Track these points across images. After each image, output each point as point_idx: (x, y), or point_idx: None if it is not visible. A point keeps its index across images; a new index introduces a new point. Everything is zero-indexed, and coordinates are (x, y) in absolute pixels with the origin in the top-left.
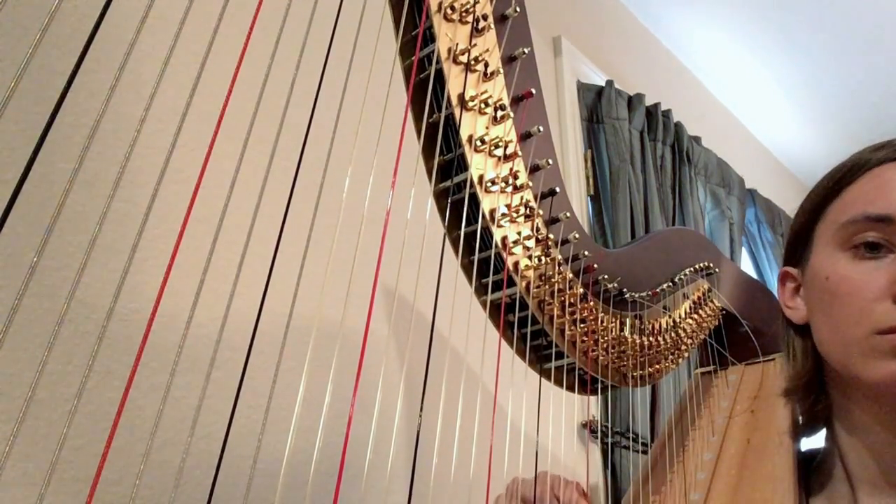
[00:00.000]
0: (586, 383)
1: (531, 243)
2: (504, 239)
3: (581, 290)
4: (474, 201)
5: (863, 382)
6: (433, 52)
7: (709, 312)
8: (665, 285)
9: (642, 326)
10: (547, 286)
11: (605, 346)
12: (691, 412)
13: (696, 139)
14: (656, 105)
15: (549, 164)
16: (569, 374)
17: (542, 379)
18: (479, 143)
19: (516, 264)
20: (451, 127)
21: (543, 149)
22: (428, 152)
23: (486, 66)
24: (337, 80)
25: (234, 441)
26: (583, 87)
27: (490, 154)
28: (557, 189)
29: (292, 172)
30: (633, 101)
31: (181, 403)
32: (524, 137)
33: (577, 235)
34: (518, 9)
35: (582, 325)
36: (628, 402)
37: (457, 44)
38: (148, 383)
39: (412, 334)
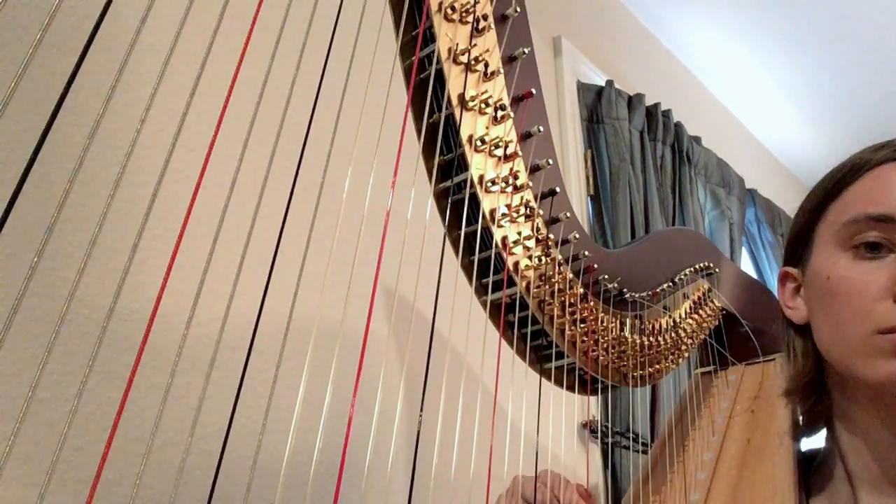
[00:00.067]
0: (586, 383)
1: (531, 243)
2: (504, 239)
3: (581, 290)
4: (474, 201)
5: (864, 382)
6: (433, 52)
7: (709, 312)
8: (665, 285)
9: (642, 326)
10: (547, 286)
11: (605, 346)
12: (691, 412)
13: (696, 139)
14: (656, 105)
15: (549, 164)
16: (569, 374)
17: (543, 379)
18: (479, 143)
19: (516, 264)
20: (452, 127)
21: (543, 149)
22: (428, 152)
23: (487, 66)
24: (337, 81)
25: (234, 441)
26: (583, 87)
27: (490, 154)
28: (557, 189)
29: (292, 172)
30: (633, 101)
31: (181, 403)
32: (524, 137)
33: (577, 235)
34: (518, 9)
35: (582, 325)
36: (628, 402)
37: (457, 44)
38: (148, 383)
39: (412, 334)
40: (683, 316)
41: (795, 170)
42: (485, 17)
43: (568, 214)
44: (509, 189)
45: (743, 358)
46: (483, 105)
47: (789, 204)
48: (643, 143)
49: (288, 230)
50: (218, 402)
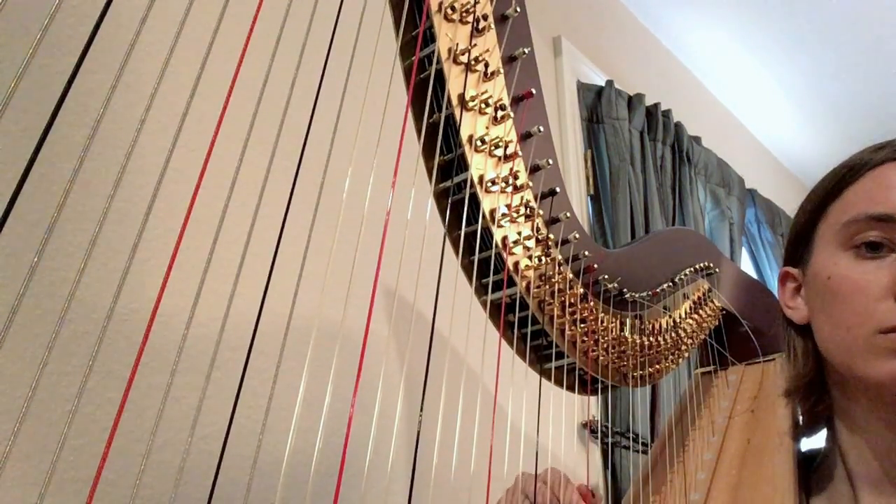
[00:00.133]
0: (586, 383)
1: (531, 243)
2: (504, 239)
3: (581, 291)
4: (474, 201)
5: (865, 382)
6: (433, 52)
7: (709, 312)
8: (665, 285)
9: (642, 326)
10: (547, 286)
11: (605, 346)
12: (691, 412)
13: (696, 139)
14: (656, 105)
15: (549, 164)
16: (569, 374)
17: (543, 379)
18: (479, 143)
19: (516, 264)
20: (452, 127)
21: (543, 149)
22: (428, 152)
23: (487, 66)
24: (337, 81)
25: (234, 441)
26: (583, 87)
27: (490, 154)
28: (557, 189)
29: (292, 172)
30: (633, 101)
31: (181, 403)
32: (524, 137)
33: (577, 235)
34: (518, 9)
35: (582, 326)
36: (628, 402)
37: (457, 44)
38: (148, 383)
39: (412, 334)
40: (683, 316)
41: (795, 170)
42: (485, 17)
43: (568, 214)
44: (509, 189)
45: (743, 358)
46: (483, 105)
47: (789, 204)
48: (643, 143)
49: (288, 230)
50: (218, 402)
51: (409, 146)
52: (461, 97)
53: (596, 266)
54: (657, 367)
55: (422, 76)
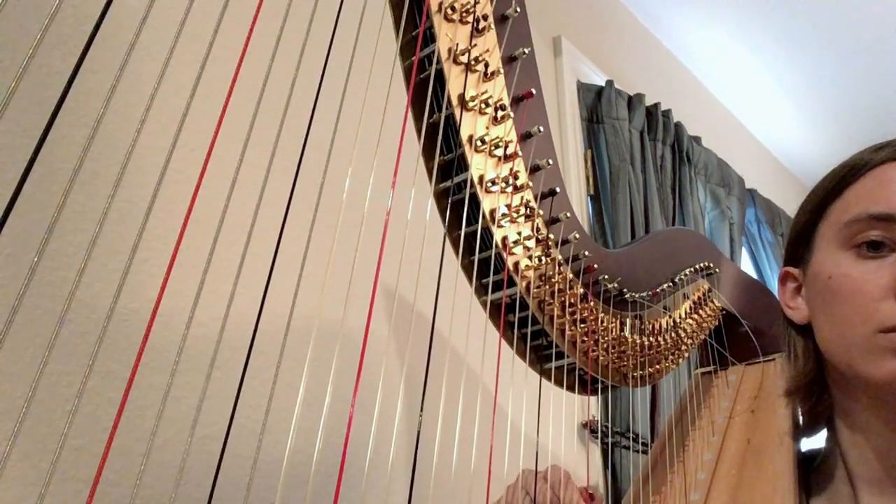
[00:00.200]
0: (586, 383)
1: (531, 243)
2: (504, 239)
3: (581, 291)
4: (474, 201)
5: (866, 381)
6: (433, 52)
7: (709, 312)
8: (665, 285)
9: (642, 326)
10: (547, 286)
11: (605, 346)
12: (691, 412)
13: (696, 139)
14: (656, 105)
15: (549, 164)
16: (569, 374)
17: (543, 379)
18: (479, 143)
19: (516, 264)
20: (452, 127)
21: (543, 149)
22: (428, 152)
23: (487, 66)
24: (337, 81)
25: (234, 441)
26: (583, 87)
27: (490, 154)
28: (557, 189)
29: (292, 172)
30: (633, 101)
31: (181, 403)
32: (524, 137)
33: (577, 235)
34: (518, 9)
35: (582, 326)
36: (628, 402)
37: (457, 44)
38: (148, 383)
39: (412, 334)
40: (683, 316)
41: (795, 170)
42: (485, 18)
43: (568, 214)
44: (509, 189)
45: (743, 358)
46: (483, 105)
47: (789, 204)
48: (643, 143)
49: (288, 230)
50: (218, 402)
51: (409, 146)
52: (461, 97)
53: (596, 266)
54: (657, 367)
55: (422, 76)
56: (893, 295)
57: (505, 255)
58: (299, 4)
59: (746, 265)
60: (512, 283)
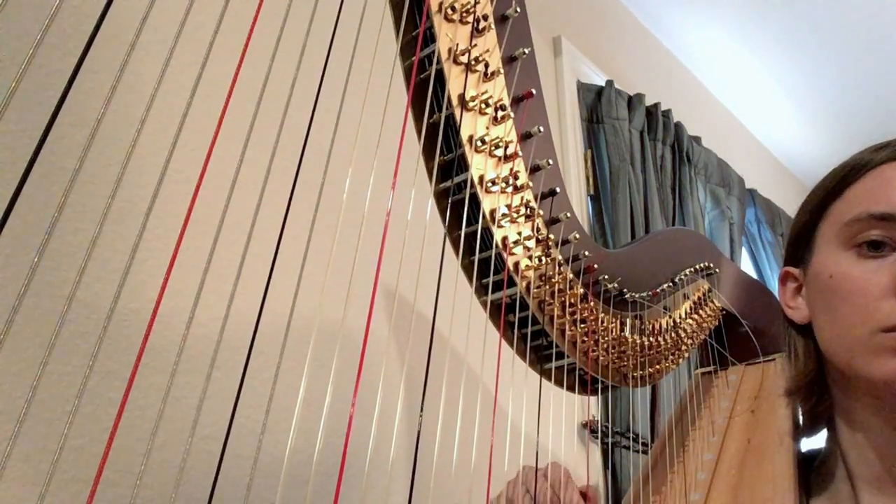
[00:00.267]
0: (586, 383)
1: (531, 243)
2: (504, 239)
3: (581, 291)
4: (475, 201)
5: (867, 381)
6: (434, 52)
7: (709, 313)
8: (665, 285)
9: (643, 327)
10: (547, 286)
11: (605, 346)
12: (691, 412)
13: (696, 139)
14: (656, 105)
15: (549, 164)
16: (569, 374)
17: (543, 379)
18: (479, 143)
19: (517, 265)
20: (452, 127)
21: (543, 149)
22: (428, 153)
23: (487, 66)
24: (337, 81)
25: (234, 441)
26: (583, 87)
27: (490, 154)
28: (558, 189)
29: (293, 173)
30: (633, 101)
31: (181, 403)
32: (524, 138)
33: (577, 236)
34: (518, 9)
35: (582, 326)
36: (628, 402)
37: (457, 44)
38: (148, 383)
39: (412, 335)
40: (683, 316)
41: (795, 170)
42: (485, 18)
43: (568, 215)
44: (509, 189)
45: (743, 358)
46: (483, 105)
47: (789, 204)
48: (643, 143)
49: (288, 230)
50: (218, 402)
51: (409, 146)
52: (461, 97)
53: (596, 266)
54: (657, 367)
55: (422, 76)
56: (894, 294)
57: (505, 255)
58: (299, 4)
59: (746, 265)
60: (512, 284)
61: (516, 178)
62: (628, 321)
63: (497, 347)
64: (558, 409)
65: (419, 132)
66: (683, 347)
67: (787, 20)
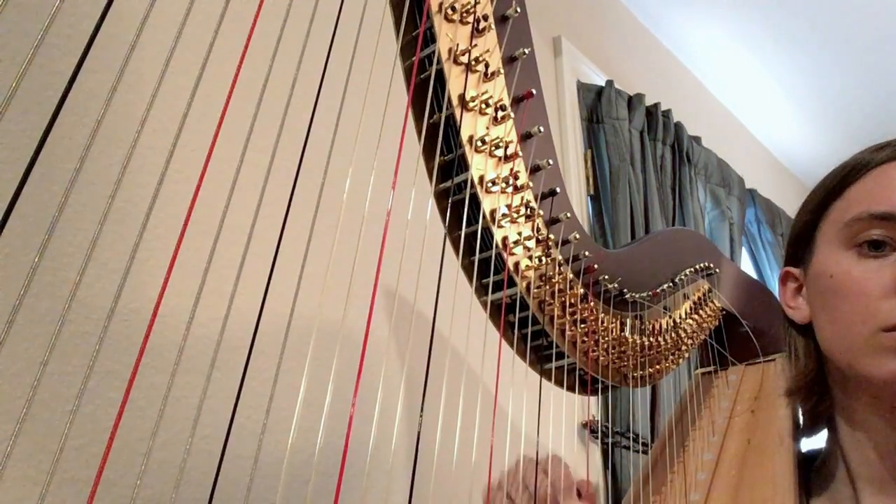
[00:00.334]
0: (586, 383)
1: (532, 244)
2: (504, 239)
3: (581, 291)
4: (475, 202)
5: (868, 380)
6: (434, 52)
7: (709, 313)
8: (665, 286)
9: (643, 327)
10: (547, 286)
11: (605, 346)
12: (691, 412)
13: (696, 139)
14: (656, 105)
15: (549, 164)
16: (569, 374)
17: (543, 379)
18: (479, 143)
19: (517, 265)
20: (452, 127)
21: (544, 149)
22: (428, 153)
23: (487, 66)
24: (337, 81)
25: (235, 441)
26: (583, 87)
27: (490, 154)
28: (558, 189)
29: (293, 173)
30: (633, 101)
31: (181, 403)
32: (524, 138)
33: (577, 236)
34: (518, 9)
35: (582, 326)
36: (628, 402)
37: (457, 44)
38: (148, 383)
39: (413, 335)
40: (684, 316)
41: (795, 170)
42: (485, 18)
43: (568, 215)
44: (510, 189)
45: (743, 358)
46: (483, 105)
47: (789, 204)
48: (643, 143)
49: (288, 230)
50: (218, 402)
51: (409, 146)
52: (461, 97)
53: (596, 266)
54: (657, 367)
55: (422, 76)
56: (894, 294)
57: (505, 255)
58: (299, 4)
59: (746, 265)
60: (512, 284)
61: (516, 178)
62: (628, 321)
63: (497, 347)
64: (558, 409)
65: (419, 132)
66: (683, 347)
67: (787, 20)
